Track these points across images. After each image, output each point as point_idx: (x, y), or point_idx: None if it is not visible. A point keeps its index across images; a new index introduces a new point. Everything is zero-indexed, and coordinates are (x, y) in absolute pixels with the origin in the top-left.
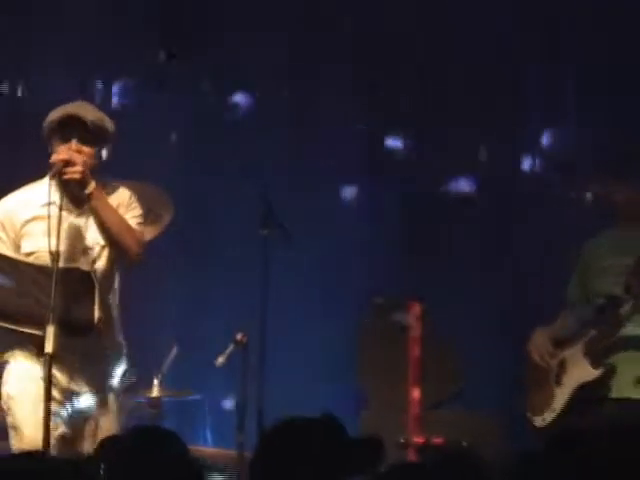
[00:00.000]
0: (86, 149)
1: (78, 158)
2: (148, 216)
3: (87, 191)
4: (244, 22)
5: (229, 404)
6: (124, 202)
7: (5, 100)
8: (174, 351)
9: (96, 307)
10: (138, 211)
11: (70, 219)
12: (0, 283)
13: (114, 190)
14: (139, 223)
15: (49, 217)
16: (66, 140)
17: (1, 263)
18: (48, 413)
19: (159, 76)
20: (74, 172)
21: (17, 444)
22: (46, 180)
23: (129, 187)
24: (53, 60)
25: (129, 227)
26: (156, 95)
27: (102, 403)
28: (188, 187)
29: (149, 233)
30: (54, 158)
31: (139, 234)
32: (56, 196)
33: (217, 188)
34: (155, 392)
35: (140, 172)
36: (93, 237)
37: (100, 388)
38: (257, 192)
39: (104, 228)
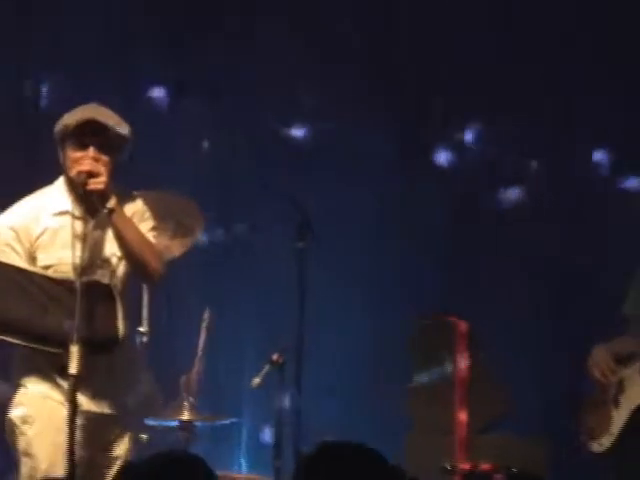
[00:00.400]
0: (104, 157)
1: (102, 169)
2: (177, 230)
3: (109, 205)
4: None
5: (265, 428)
6: (137, 212)
7: (20, 101)
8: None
9: (120, 322)
10: (151, 223)
11: (88, 230)
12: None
13: (127, 200)
14: (154, 236)
15: (72, 228)
16: (82, 146)
17: (16, 276)
18: (72, 438)
19: (180, 81)
20: (98, 183)
21: (30, 472)
22: (58, 186)
23: (155, 197)
24: (75, 60)
25: (150, 243)
26: (185, 101)
27: (122, 424)
28: (220, 198)
29: (178, 247)
30: (78, 169)
31: (158, 250)
32: (70, 204)
33: (250, 199)
34: (186, 415)
35: (169, 182)
36: (110, 248)
37: (121, 408)
38: (293, 203)
39: (124, 244)
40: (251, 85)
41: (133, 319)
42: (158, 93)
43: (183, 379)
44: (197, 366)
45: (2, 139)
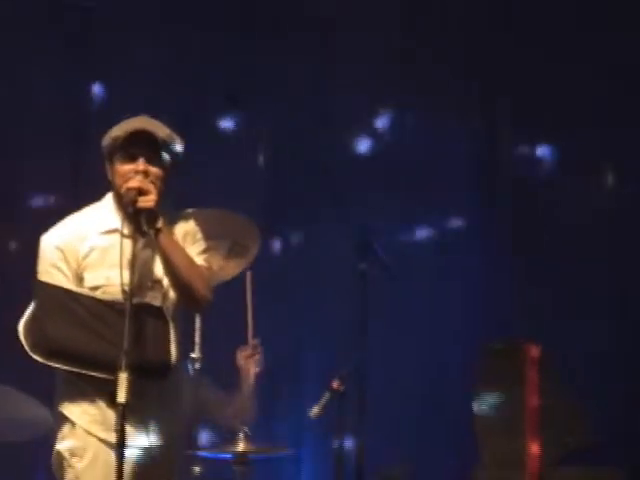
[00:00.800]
0: (154, 170)
1: (151, 187)
2: (232, 249)
3: (157, 225)
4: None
5: (325, 459)
6: (189, 233)
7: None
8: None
9: (172, 346)
10: (203, 244)
11: (137, 249)
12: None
13: (179, 219)
14: (206, 259)
15: (121, 246)
16: (131, 159)
17: (63, 298)
18: (121, 470)
19: (232, 95)
20: (147, 201)
21: None
22: (106, 203)
23: (210, 216)
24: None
25: (198, 268)
26: (238, 114)
27: (172, 456)
28: (277, 216)
29: (233, 268)
30: (126, 186)
31: (207, 275)
32: (119, 222)
33: (311, 218)
34: (241, 447)
35: (224, 199)
36: (161, 269)
37: (172, 439)
38: (353, 222)
39: (170, 268)
40: (310, 98)
41: (185, 344)
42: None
43: (233, 406)
44: (248, 392)
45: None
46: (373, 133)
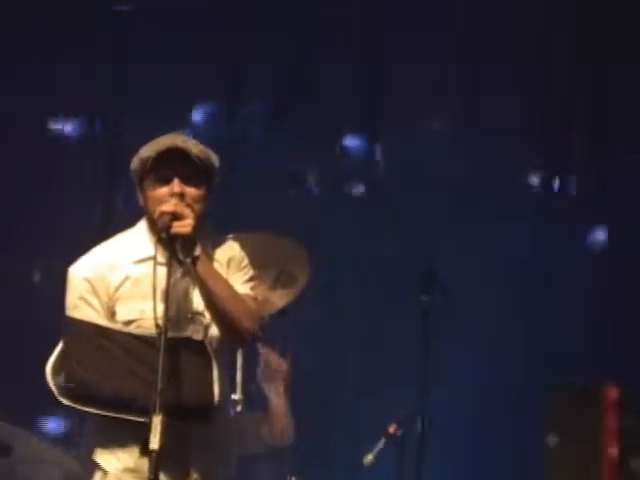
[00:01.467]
0: (191, 191)
1: (187, 210)
2: (279, 278)
3: (195, 253)
4: None
5: None
6: (234, 260)
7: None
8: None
9: (216, 385)
10: (249, 272)
11: (174, 278)
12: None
13: (222, 244)
14: (252, 288)
15: (154, 276)
16: (164, 181)
17: (94, 335)
18: None
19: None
20: (183, 226)
21: None
22: (139, 230)
23: (255, 241)
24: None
25: (241, 299)
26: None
27: None
28: (331, 241)
29: (280, 298)
30: (160, 209)
31: (252, 306)
32: (152, 250)
33: (368, 246)
34: None
35: (271, 222)
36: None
37: None
38: (415, 251)
39: (211, 301)
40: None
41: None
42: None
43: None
44: (278, 409)
45: None
46: None
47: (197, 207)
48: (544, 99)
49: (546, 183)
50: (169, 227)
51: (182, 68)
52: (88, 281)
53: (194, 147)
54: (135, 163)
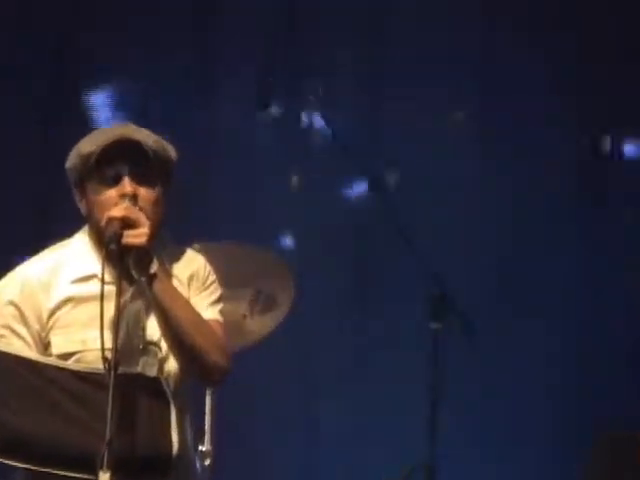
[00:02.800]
0: (145, 191)
1: (141, 216)
2: (256, 300)
3: (151, 270)
4: None
5: None
6: (196, 276)
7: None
8: None
9: (174, 433)
10: (216, 292)
11: (123, 300)
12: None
13: (181, 256)
14: (220, 312)
15: (101, 298)
16: (112, 180)
17: (22, 371)
18: None
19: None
20: (137, 236)
21: None
22: (77, 243)
23: (225, 253)
24: None
25: (207, 326)
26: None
27: None
28: (325, 252)
29: (259, 327)
30: (108, 215)
31: (221, 335)
32: (96, 265)
33: (373, 259)
34: None
35: (245, 229)
36: (158, 327)
37: None
38: (425, 270)
39: (169, 328)
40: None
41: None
42: None
43: None
44: None
45: None
46: None
47: (153, 211)
48: None
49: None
50: (120, 237)
51: None
52: (14, 305)
53: (148, 138)
54: (73, 160)
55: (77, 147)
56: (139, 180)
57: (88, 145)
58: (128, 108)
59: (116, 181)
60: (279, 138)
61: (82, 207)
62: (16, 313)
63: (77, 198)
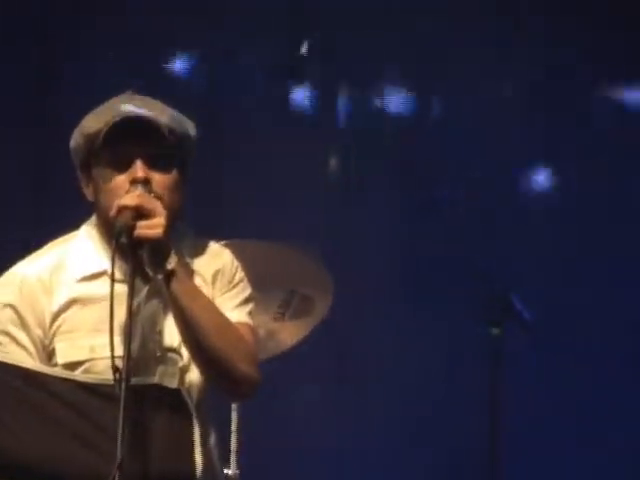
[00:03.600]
0: (160, 176)
1: (157, 205)
2: (290, 303)
3: (168, 265)
4: None
5: None
6: (222, 274)
7: None
8: None
9: (197, 452)
10: (245, 292)
11: (138, 301)
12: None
13: (202, 251)
14: (249, 315)
15: (111, 298)
16: (122, 164)
17: (21, 384)
18: None
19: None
20: (152, 227)
21: None
22: (82, 237)
23: (255, 251)
24: None
25: (234, 330)
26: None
27: None
28: (358, 247)
29: (292, 333)
30: (118, 204)
31: (250, 341)
32: (106, 261)
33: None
34: None
35: (280, 223)
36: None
37: None
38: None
39: (190, 333)
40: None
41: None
42: None
43: None
44: None
45: None
46: None
47: (170, 199)
48: None
49: None
50: (132, 228)
51: None
52: (12, 308)
53: (163, 113)
54: (77, 140)
55: (81, 124)
56: (153, 163)
57: (93, 122)
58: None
59: (126, 165)
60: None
61: (88, 194)
62: (14, 317)
63: (83, 183)
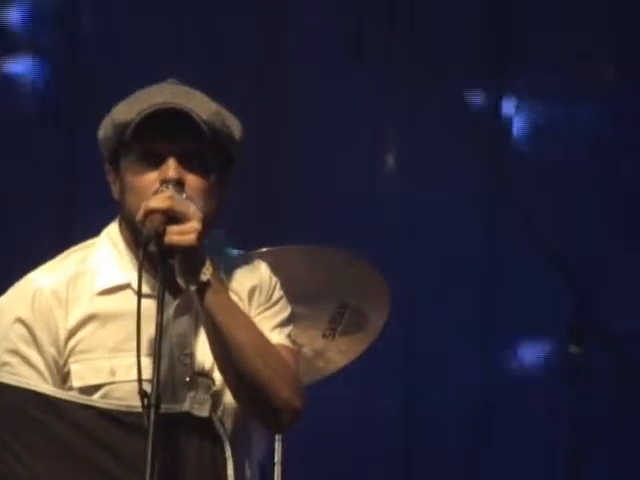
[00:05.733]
0: (195, 179)
1: (190, 208)
2: (340, 318)
3: (202, 277)
4: None
5: None
6: (262, 288)
7: None
8: None
9: None
10: (286, 311)
11: (166, 318)
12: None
13: (238, 265)
14: (291, 336)
15: (138, 315)
16: (153, 159)
17: (35, 409)
18: None
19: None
20: (184, 233)
21: None
22: (104, 243)
23: (301, 259)
24: None
25: (276, 352)
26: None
27: None
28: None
29: (343, 352)
30: (146, 207)
31: (293, 365)
32: (130, 273)
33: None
34: None
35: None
36: (210, 353)
37: None
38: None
39: (226, 355)
40: None
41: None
42: None
43: None
44: None
45: None
46: None
47: (204, 204)
48: None
49: None
50: (162, 235)
51: None
52: (23, 324)
53: (203, 107)
54: (107, 130)
55: (112, 112)
56: (187, 162)
57: (125, 112)
58: None
59: (158, 161)
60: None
61: (115, 191)
62: (26, 334)
63: (110, 178)
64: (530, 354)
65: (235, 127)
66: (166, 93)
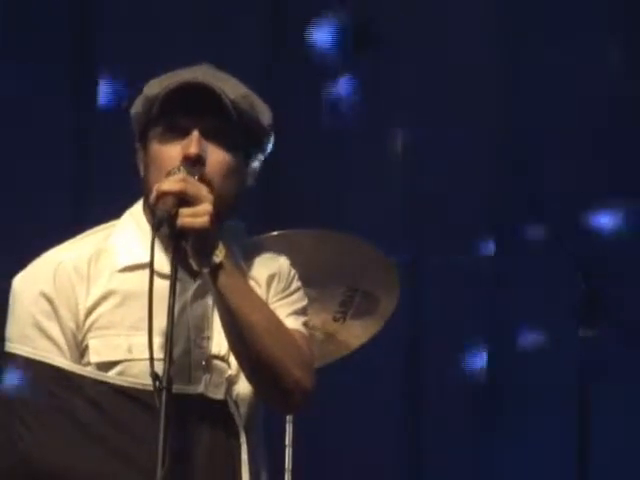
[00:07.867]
0: (217, 153)
1: (202, 190)
2: (351, 302)
3: (215, 259)
4: None
5: None
6: (280, 276)
7: None
8: None
9: (245, 472)
10: (302, 301)
11: (183, 300)
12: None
13: (257, 252)
14: (304, 319)
15: (150, 294)
16: (178, 133)
17: (51, 384)
18: None
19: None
20: (196, 215)
21: None
22: (127, 222)
23: (312, 244)
24: None
25: (289, 337)
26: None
27: None
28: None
29: (353, 335)
30: (157, 189)
31: (306, 348)
32: (147, 252)
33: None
34: None
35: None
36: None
37: None
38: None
39: (240, 338)
40: None
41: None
42: None
43: None
44: None
45: None
46: None
47: (222, 184)
48: None
49: None
50: (174, 217)
51: None
52: (46, 298)
53: (230, 86)
54: (137, 106)
55: (144, 90)
56: (213, 138)
57: (154, 87)
58: None
59: (182, 134)
60: None
61: (141, 169)
62: (48, 308)
63: (138, 156)
64: (538, 339)
65: (264, 113)
66: (197, 72)
